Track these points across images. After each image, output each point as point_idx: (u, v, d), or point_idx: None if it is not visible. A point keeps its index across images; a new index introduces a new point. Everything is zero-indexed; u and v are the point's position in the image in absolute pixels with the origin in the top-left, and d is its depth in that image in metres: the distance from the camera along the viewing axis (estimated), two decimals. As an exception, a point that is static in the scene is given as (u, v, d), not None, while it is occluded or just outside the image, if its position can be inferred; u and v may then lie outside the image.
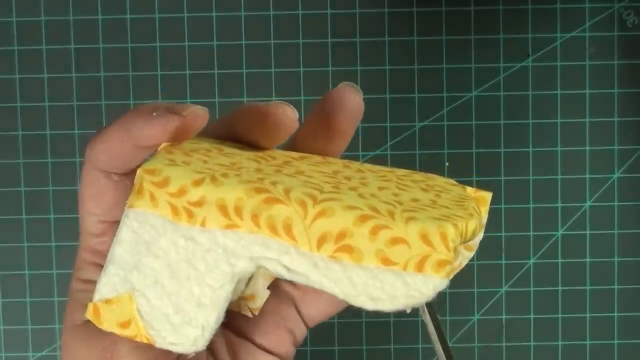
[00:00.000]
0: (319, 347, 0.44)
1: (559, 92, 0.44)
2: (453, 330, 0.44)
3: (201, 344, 0.24)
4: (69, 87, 0.44)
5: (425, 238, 0.23)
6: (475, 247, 0.27)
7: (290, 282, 0.29)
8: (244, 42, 0.44)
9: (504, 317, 0.44)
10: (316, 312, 0.29)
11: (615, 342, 0.44)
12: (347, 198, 0.24)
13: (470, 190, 0.27)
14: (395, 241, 0.23)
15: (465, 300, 0.44)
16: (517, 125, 0.44)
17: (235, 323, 0.28)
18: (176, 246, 0.24)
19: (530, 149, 0.44)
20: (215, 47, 0.44)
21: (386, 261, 0.23)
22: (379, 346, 0.44)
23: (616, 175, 0.44)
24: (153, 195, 0.23)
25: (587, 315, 0.44)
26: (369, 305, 0.23)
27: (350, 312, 0.45)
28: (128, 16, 0.44)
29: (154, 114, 0.24)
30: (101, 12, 0.44)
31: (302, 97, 0.44)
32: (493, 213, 0.44)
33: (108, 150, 0.24)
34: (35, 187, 0.44)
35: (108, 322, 0.24)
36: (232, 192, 0.23)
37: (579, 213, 0.44)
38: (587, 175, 0.44)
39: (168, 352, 0.24)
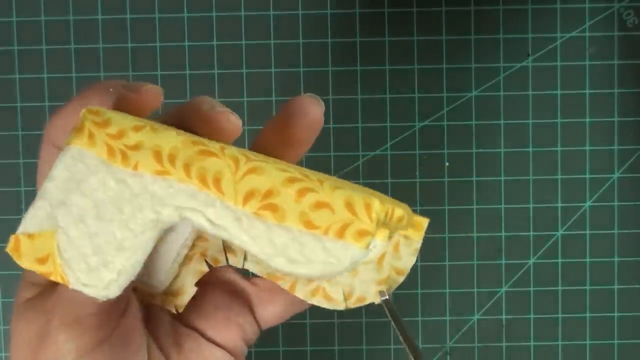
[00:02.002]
0: (318, 347, 0.44)
1: (559, 92, 0.44)
2: (453, 330, 0.44)
3: (113, 291, 0.23)
4: (69, 87, 0.44)
5: (349, 206, 0.23)
6: (406, 272, 0.27)
7: (247, 280, 0.29)
8: (244, 42, 0.44)
9: (504, 317, 0.44)
10: (269, 313, 0.29)
11: (615, 342, 0.44)
12: (282, 164, 0.24)
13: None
14: (319, 205, 0.23)
15: (465, 300, 0.44)
16: (517, 125, 0.44)
17: (185, 315, 0.28)
18: (106, 187, 0.24)
19: (530, 149, 0.44)
20: (215, 47, 0.44)
21: (308, 224, 0.23)
22: (379, 346, 0.44)
23: (616, 175, 0.44)
24: (92, 134, 0.24)
25: (587, 315, 0.44)
26: (285, 266, 0.23)
27: (351, 312, 0.45)
28: (128, 16, 0.44)
29: (110, 89, 0.25)
30: (101, 12, 0.44)
31: (302, 97, 0.44)
32: (493, 213, 0.44)
33: (64, 126, 0.25)
34: (35, 187, 0.44)
35: (26, 257, 0.24)
36: (170, 141, 0.23)
37: (579, 213, 0.44)
38: (587, 175, 0.44)
39: (99, 327, 0.24)
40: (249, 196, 0.23)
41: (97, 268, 0.23)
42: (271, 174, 0.23)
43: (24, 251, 0.24)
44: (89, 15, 0.44)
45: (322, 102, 0.27)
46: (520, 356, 0.44)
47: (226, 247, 0.28)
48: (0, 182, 0.44)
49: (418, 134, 0.44)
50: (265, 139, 0.27)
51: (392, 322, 0.26)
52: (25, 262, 0.24)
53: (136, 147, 0.23)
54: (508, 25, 0.44)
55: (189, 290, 0.28)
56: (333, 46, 0.44)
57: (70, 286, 0.23)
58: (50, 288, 0.25)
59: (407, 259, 0.27)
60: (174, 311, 0.28)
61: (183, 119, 0.26)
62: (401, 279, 0.27)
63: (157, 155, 0.23)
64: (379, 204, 0.23)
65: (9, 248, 0.24)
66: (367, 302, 0.27)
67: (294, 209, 0.23)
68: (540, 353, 0.44)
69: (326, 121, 0.44)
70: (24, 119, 0.44)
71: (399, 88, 0.44)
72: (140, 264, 0.24)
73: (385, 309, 0.26)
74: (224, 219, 0.23)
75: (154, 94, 0.25)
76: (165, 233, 0.27)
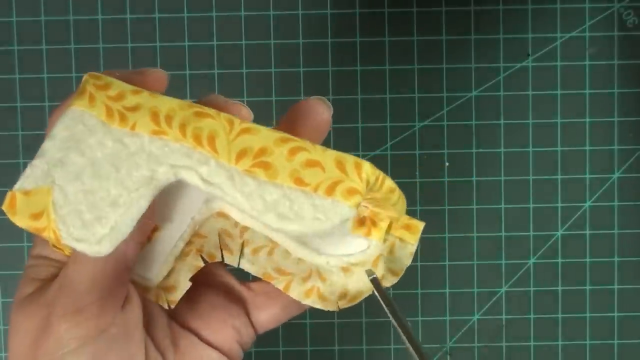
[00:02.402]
0: (319, 347, 0.44)
1: (559, 92, 0.44)
2: (453, 330, 0.44)
3: (105, 247, 0.23)
4: (69, 87, 0.44)
5: (340, 165, 0.24)
6: (401, 273, 0.27)
7: (242, 285, 0.29)
8: (244, 42, 0.44)
9: (504, 317, 0.44)
10: (265, 317, 0.29)
11: (615, 342, 0.44)
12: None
13: (404, 217, 0.27)
14: (311, 163, 0.24)
15: (465, 300, 0.44)
16: (517, 125, 0.44)
17: (180, 314, 0.28)
18: (103, 146, 0.24)
19: (530, 149, 0.44)
20: (215, 47, 0.44)
21: (299, 181, 0.23)
22: (379, 346, 0.44)
23: (616, 175, 0.44)
24: (92, 96, 0.24)
25: (587, 315, 0.44)
26: (275, 222, 0.23)
27: (351, 312, 0.45)
28: (128, 16, 0.44)
29: (117, 74, 0.25)
30: (101, 12, 0.44)
31: (302, 97, 0.44)
32: (493, 213, 0.44)
33: None
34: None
35: (21, 214, 0.24)
36: (167, 103, 0.24)
37: (579, 213, 0.44)
38: (587, 175, 0.44)
39: (99, 316, 0.24)
40: (241, 154, 0.24)
41: (92, 223, 0.24)
42: (265, 133, 0.24)
43: (19, 208, 0.24)
44: (89, 15, 0.44)
45: (330, 105, 0.27)
46: (520, 356, 0.44)
47: (222, 245, 0.28)
48: (0, 182, 0.44)
49: (418, 134, 0.44)
50: None
51: (380, 301, 0.26)
52: (19, 218, 0.24)
53: (134, 108, 0.24)
54: (508, 25, 0.44)
55: (183, 285, 0.28)
56: (333, 46, 0.44)
57: (62, 241, 0.24)
58: (50, 283, 0.25)
59: (402, 261, 0.27)
60: (166, 307, 0.28)
61: None
62: (395, 279, 0.27)
63: (155, 115, 0.24)
64: (369, 166, 0.24)
65: (4, 205, 0.24)
66: (360, 298, 0.27)
67: (286, 166, 0.24)
68: (540, 353, 0.44)
69: (326, 121, 0.44)
70: (24, 119, 0.44)
71: (399, 88, 0.44)
72: (133, 223, 0.24)
73: (374, 290, 0.26)
74: (217, 177, 0.24)
75: (158, 77, 0.26)
76: (164, 223, 0.27)
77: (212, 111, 0.24)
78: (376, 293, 0.26)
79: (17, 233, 0.44)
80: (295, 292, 0.27)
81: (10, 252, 0.44)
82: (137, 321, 0.26)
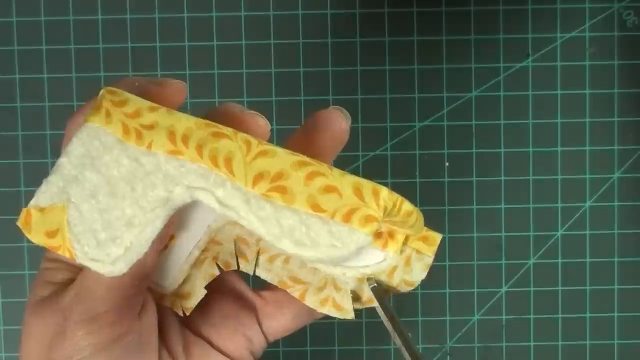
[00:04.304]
0: (319, 347, 0.44)
1: (559, 92, 0.44)
2: (453, 331, 0.44)
3: (119, 267, 0.23)
4: (69, 87, 0.44)
5: (358, 191, 0.23)
6: (416, 285, 0.27)
7: (254, 292, 0.29)
8: (244, 42, 0.44)
9: (504, 317, 0.44)
10: (276, 326, 0.29)
11: (615, 342, 0.44)
12: (293, 152, 0.24)
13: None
14: (328, 189, 0.23)
15: (465, 300, 0.44)
16: (517, 125, 0.44)
17: (193, 322, 0.28)
18: (119, 165, 0.24)
19: (530, 149, 0.44)
20: (215, 47, 0.44)
21: (316, 207, 0.23)
22: (379, 346, 0.44)
23: (616, 175, 0.44)
24: (109, 112, 0.24)
25: (587, 315, 0.44)
26: (291, 248, 0.23)
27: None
28: (128, 16, 0.44)
29: (136, 84, 0.25)
30: (101, 12, 0.44)
31: (302, 97, 0.44)
32: (493, 213, 0.44)
33: None
34: (35, 187, 0.44)
35: (36, 231, 0.24)
36: (184, 122, 0.24)
37: (579, 213, 0.44)
38: (587, 175, 0.44)
39: (116, 324, 0.24)
40: (258, 178, 0.23)
41: (106, 243, 0.23)
42: (282, 157, 0.24)
43: (34, 224, 0.24)
44: (89, 15, 0.44)
45: (348, 115, 0.27)
46: (520, 356, 0.44)
47: (238, 252, 0.28)
48: (0, 182, 0.44)
49: (418, 134, 0.44)
50: (290, 147, 0.27)
51: (380, 308, 0.26)
52: (35, 235, 0.24)
53: (151, 126, 0.24)
54: (508, 25, 0.44)
55: (198, 292, 0.28)
56: (333, 46, 0.44)
57: (77, 260, 0.23)
58: (65, 287, 0.25)
59: (418, 273, 0.27)
60: (181, 314, 0.28)
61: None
62: (409, 289, 0.27)
63: (171, 135, 0.24)
64: (387, 192, 0.23)
65: (20, 221, 0.24)
66: (374, 303, 0.27)
67: (303, 191, 0.23)
68: (540, 353, 0.44)
69: (326, 121, 0.44)
70: (24, 119, 0.44)
71: (399, 88, 0.44)
72: (147, 243, 0.24)
73: (375, 298, 0.27)
74: (233, 200, 0.23)
75: (178, 89, 0.26)
76: (179, 232, 0.27)
77: (229, 131, 0.24)
78: (377, 304, 0.26)
79: (17, 233, 0.44)
80: (311, 301, 0.27)
81: (10, 252, 0.44)
82: (152, 329, 0.26)
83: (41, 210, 0.24)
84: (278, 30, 0.44)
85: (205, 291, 0.28)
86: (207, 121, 0.24)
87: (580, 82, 0.44)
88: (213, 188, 0.23)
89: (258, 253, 0.27)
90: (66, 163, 0.24)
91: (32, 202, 0.24)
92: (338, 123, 0.27)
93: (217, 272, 0.28)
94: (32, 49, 0.44)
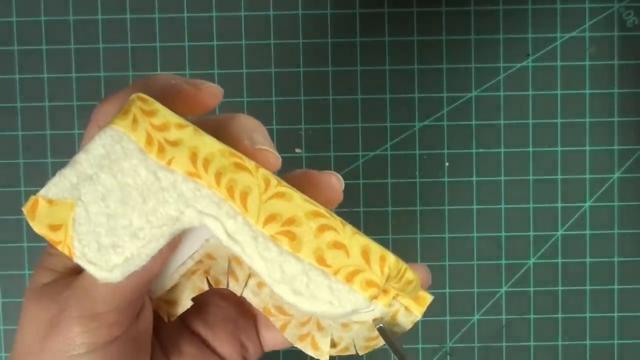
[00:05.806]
0: (319, 347, 0.44)
1: (559, 92, 0.44)
2: (453, 331, 0.44)
3: (115, 275, 0.23)
4: (69, 87, 0.44)
5: (365, 254, 0.23)
6: (400, 335, 0.27)
7: None
8: (244, 42, 0.44)
9: (504, 317, 0.44)
10: (273, 338, 0.29)
11: (615, 342, 0.44)
12: (311, 200, 0.24)
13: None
14: (337, 245, 0.23)
15: (465, 300, 0.44)
16: (517, 125, 0.44)
17: (191, 320, 0.28)
18: (136, 174, 0.24)
19: (530, 149, 0.44)
20: (215, 47, 0.44)
21: (321, 260, 0.23)
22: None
23: (616, 175, 0.44)
24: (136, 119, 0.24)
25: (587, 315, 0.44)
26: (288, 296, 0.23)
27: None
28: (128, 16, 0.44)
29: (172, 81, 0.25)
30: (101, 12, 0.44)
31: (302, 97, 0.44)
32: (493, 213, 0.44)
33: (113, 112, 0.25)
34: (35, 187, 0.44)
35: (40, 221, 0.24)
36: (208, 146, 0.24)
37: (579, 213, 0.44)
38: (587, 175, 0.44)
39: (114, 324, 0.24)
40: (270, 218, 0.23)
41: (107, 249, 0.23)
42: (298, 202, 0.23)
43: (39, 214, 0.24)
44: (89, 15, 0.44)
45: (342, 179, 0.27)
46: (520, 356, 0.44)
47: (230, 271, 0.28)
48: (0, 182, 0.44)
49: (418, 134, 0.44)
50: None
51: (390, 348, 0.26)
52: (37, 225, 0.24)
53: (175, 143, 0.24)
54: (508, 25, 0.44)
55: (184, 303, 0.27)
56: (333, 46, 0.44)
57: (75, 259, 0.23)
58: (66, 276, 0.25)
59: (403, 326, 0.27)
60: (165, 319, 0.27)
61: (219, 135, 0.26)
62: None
63: (193, 156, 0.23)
64: (394, 260, 0.23)
65: (26, 207, 0.24)
66: (350, 352, 0.27)
67: (312, 242, 0.23)
68: (540, 353, 0.44)
69: (326, 121, 0.44)
70: (24, 119, 0.44)
71: (399, 88, 0.44)
72: (148, 258, 0.24)
73: (382, 337, 0.26)
74: (242, 235, 0.23)
75: (213, 93, 0.26)
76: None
77: (251, 165, 0.24)
78: (384, 341, 0.26)
79: (18, 233, 0.44)
80: (290, 334, 0.27)
81: (10, 252, 0.44)
82: (148, 330, 0.26)
83: (49, 202, 0.24)
84: (278, 30, 0.44)
85: (192, 303, 0.27)
86: (232, 150, 0.24)
87: (580, 82, 0.44)
88: (224, 218, 0.23)
89: (249, 276, 0.27)
90: (84, 160, 0.24)
91: (41, 192, 0.24)
92: (333, 185, 0.26)
93: (206, 287, 0.27)
94: (32, 49, 0.44)
